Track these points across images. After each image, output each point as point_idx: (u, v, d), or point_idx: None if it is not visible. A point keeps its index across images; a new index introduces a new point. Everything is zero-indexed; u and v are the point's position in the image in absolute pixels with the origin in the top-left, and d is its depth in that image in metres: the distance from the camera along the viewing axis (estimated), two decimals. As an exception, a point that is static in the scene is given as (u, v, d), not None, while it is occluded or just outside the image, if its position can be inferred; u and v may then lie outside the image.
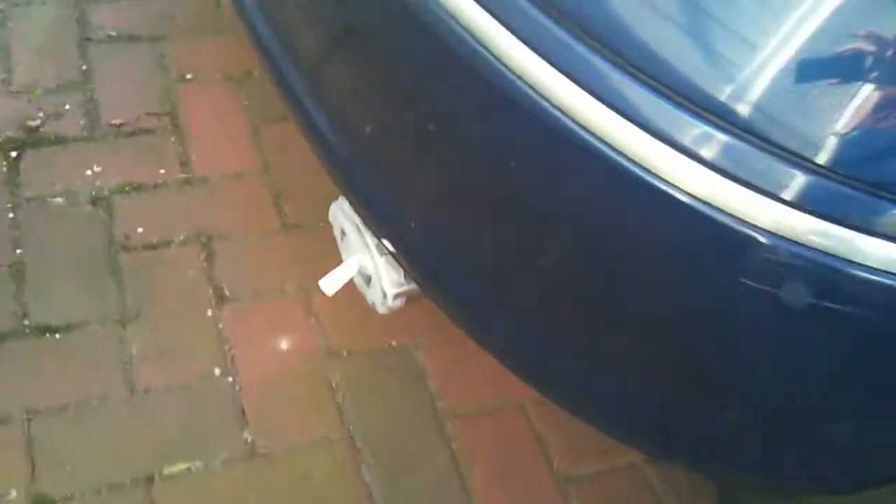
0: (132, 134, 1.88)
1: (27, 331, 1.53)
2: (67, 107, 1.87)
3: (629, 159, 0.82)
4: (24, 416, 1.43)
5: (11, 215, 1.67)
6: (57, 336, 1.54)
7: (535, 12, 0.86)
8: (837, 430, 0.97)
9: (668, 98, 0.81)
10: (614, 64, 0.82)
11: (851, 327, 0.86)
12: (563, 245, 0.97)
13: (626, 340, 1.01)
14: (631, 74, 0.82)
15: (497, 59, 0.88)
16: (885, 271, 0.80)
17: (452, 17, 0.91)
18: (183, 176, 1.83)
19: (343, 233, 1.40)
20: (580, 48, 0.83)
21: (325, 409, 1.55)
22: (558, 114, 0.85)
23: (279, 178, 1.86)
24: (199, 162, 1.86)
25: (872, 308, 0.84)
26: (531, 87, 0.86)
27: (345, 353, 1.63)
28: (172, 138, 1.89)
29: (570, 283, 1.00)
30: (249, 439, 1.48)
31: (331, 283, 1.38)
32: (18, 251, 1.63)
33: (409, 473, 1.51)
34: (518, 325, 1.12)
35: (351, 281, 1.40)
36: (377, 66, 1.13)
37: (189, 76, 2.01)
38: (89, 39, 2.01)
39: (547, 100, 0.85)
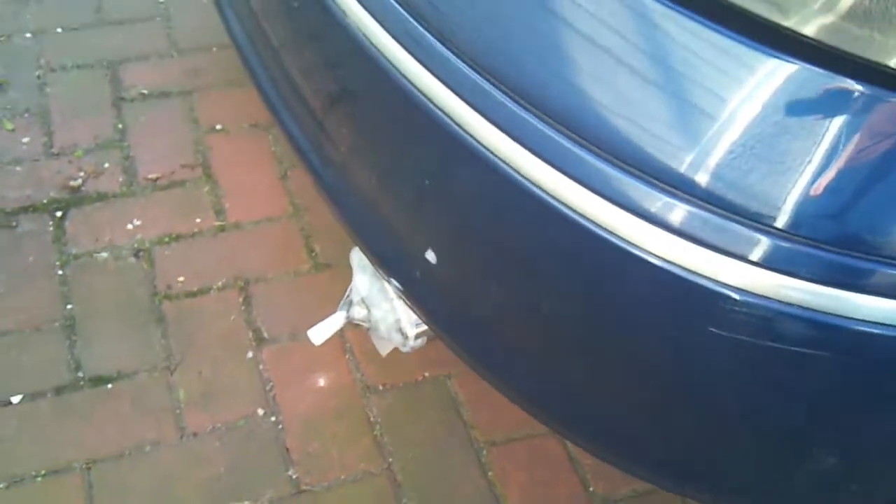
0: (168, 186, 1.97)
1: (82, 383, 1.62)
2: (106, 165, 1.97)
3: (606, 230, 0.90)
4: (84, 465, 1.52)
5: (60, 272, 1.77)
6: (109, 386, 1.63)
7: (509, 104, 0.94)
8: (818, 463, 1.04)
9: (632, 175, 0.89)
10: (589, 151, 0.90)
11: (809, 367, 0.93)
12: (554, 296, 1.04)
13: (634, 386, 1.08)
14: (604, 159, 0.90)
15: (479, 142, 0.96)
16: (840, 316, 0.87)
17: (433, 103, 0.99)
18: (218, 223, 1.91)
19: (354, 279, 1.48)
20: (559, 138, 0.91)
21: (365, 443, 1.62)
22: (542, 193, 0.93)
23: (308, 221, 1.95)
24: (233, 209, 1.95)
25: (825, 348, 0.90)
26: (509, 165, 0.94)
27: (380, 388, 1.70)
28: (206, 188, 1.98)
29: (564, 330, 1.07)
30: (294, 476, 1.56)
31: (319, 333, 1.46)
32: (69, 306, 1.72)
33: (448, 501, 1.57)
34: (525, 370, 1.19)
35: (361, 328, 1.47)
36: (375, 128, 1.21)
37: (218, 127, 2.10)
38: (122, 99, 2.11)
39: (533, 183, 0.93)
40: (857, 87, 0.83)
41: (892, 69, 0.82)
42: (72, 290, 1.75)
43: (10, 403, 1.57)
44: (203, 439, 1.58)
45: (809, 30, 0.84)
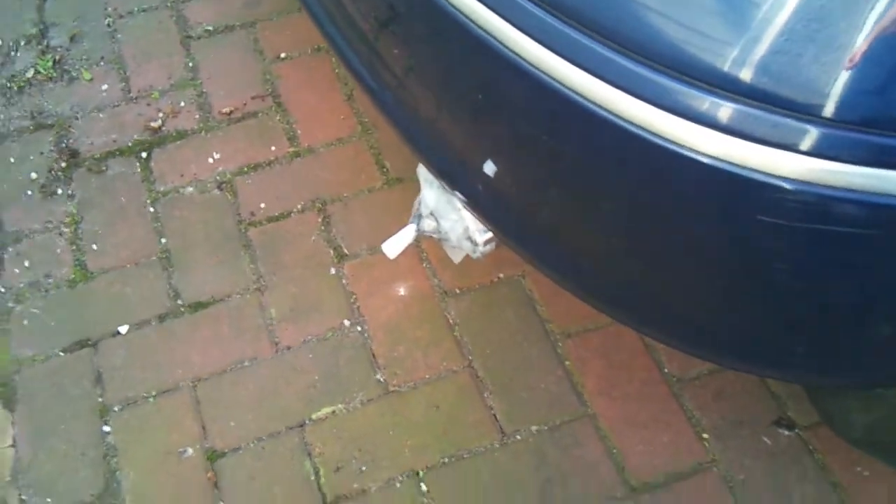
0: (242, 119, 2.06)
1: (182, 309, 1.75)
2: (182, 104, 2.07)
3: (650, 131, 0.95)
4: (191, 384, 1.66)
5: (151, 209, 1.89)
6: (207, 310, 1.75)
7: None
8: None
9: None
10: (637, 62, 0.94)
11: (859, 244, 0.96)
12: (611, 201, 1.09)
13: (695, 278, 1.13)
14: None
15: (525, 60, 1.01)
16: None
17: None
18: (292, 149, 2.00)
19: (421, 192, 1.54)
20: (604, 51, 0.95)
21: (446, 343, 1.72)
22: (593, 106, 0.99)
23: (377, 138, 2.01)
24: (304, 134, 2.03)
25: (873, 226, 0.94)
26: (556, 80, 1.00)
27: (457, 291, 1.79)
28: (277, 116, 2.06)
29: (623, 232, 1.13)
30: (382, 379, 1.67)
31: (392, 247, 1.54)
32: (163, 240, 1.85)
33: (528, 392, 1.67)
34: (588, 271, 1.25)
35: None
36: (425, 49, 1.25)
37: (283, 55, 2.17)
38: (189, 37, 2.19)
39: (583, 96, 0.99)
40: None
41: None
42: (164, 224, 1.87)
43: (119, 333, 1.71)
44: (296, 352, 1.70)
45: None
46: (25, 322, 1.71)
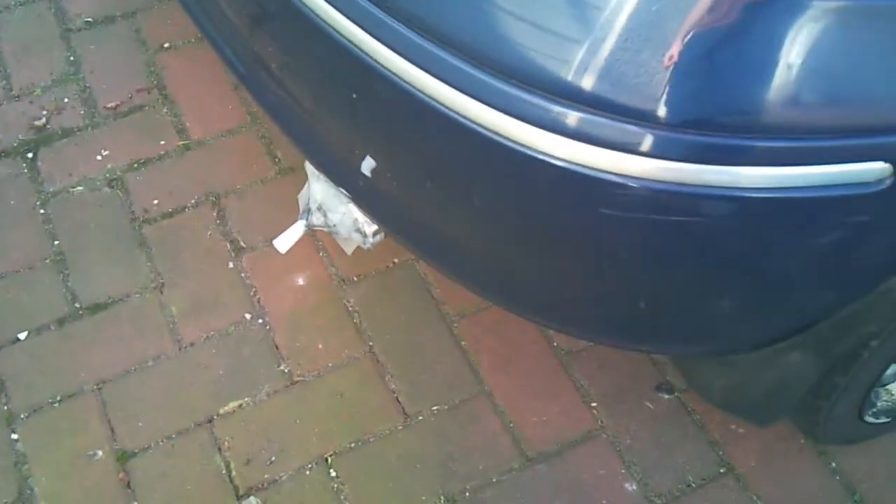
0: (129, 113, 2.04)
1: (80, 312, 1.75)
2: (66, 99, 2.04)
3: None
4: (96, 386, 1.66)
5: (42, 211, 1.86)
6: (106, 311, 1.75)
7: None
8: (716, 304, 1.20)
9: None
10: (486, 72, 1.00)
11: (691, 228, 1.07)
12: (474, 197, 1.17)
13: (549, 262, 1.21)
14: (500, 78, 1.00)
15: (395, 75, 1.06)
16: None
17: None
18: (182, 143, 2.00)
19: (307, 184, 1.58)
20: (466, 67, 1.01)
21: (347, 331, 1.76)
22: (456, 116, 1.05)
23: (266, 128, 2.02)
24: (194, 127, 2.03)
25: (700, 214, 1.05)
26: (423, 92, 1.06)
27: (354, 279, 1.83)
28: (164, 109, 2.05)
29: (490, 226, 1.22)
30: (286, 370, 1.71)
31: (283, 242, 1.58)
32: (56, 242, 1.83)
33: (428, 373, 1.73)
34: (460, 260, 1.32)
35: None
36: (294, 49, 1.30)
37: (166, 45, 2.15)
38: (70, 30, 2.15)
39: (446, 106, 1.05)
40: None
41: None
42: (56, 226, 1.85)
43: (18, 340, 1.70)
44: (200, 348, 1.72)
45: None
46: (-81, 334, 1.68)
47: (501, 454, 1.64)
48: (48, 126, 1.97)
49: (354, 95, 1.21)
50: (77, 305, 1.74)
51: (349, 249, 1.69)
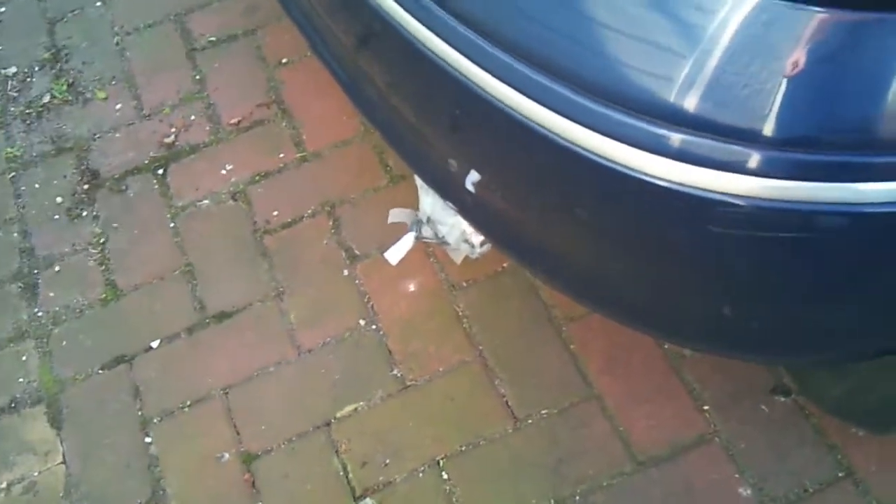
0: (250, 127, 2.07)
1: (207, 320, 1.80)
2: (193, 117, 2.09)
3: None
4: (221, 391, 1.71)
5: (172, 224, 1.93)
6: (231, 319, 1.79)
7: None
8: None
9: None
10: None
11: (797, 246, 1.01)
12: (585, 217, 1.14)
13: (661, 276, 1.17)
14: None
15: (498, 101, 1.03)
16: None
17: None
18: (299, 155, 2.02)
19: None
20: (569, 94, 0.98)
21: (457, 336, 1.75)
22: (565, 142, 1.02)
23: (379, 138, 2.00)
24: (310, 139, 2.04)
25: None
26: (529, 119, 1.03)
27: (464, 284, 1.82)
28: (283, 123, 2.07)
29: (598, 243, 1.17)
30: (399, 375, 1.71)
31: (394, 254, 1.58)
32: (185, 254, 1.88)
33: (537, 377, 1.70)
34: (570, 275, 1.29)
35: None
36: (400, 68, 1.29)
37: (285, 60, 2.18)
38: (195, 49, 2.20)
39: (555, 133, 1.03)
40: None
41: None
42: (184, 239, 1.91)
43: (151, 348, 1.76)
44: (317, 353, 1.74)
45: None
46: (64, 343, 1.77)
47: (612, 458, 1.61)
48: (176, 143, 2.03)
49: (458, 113, 1.19)
50: (204, 314, 1.79)
51: (458, 259, 1.68)
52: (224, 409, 1.69)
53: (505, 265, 1.84)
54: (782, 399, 1.67)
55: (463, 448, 1.62)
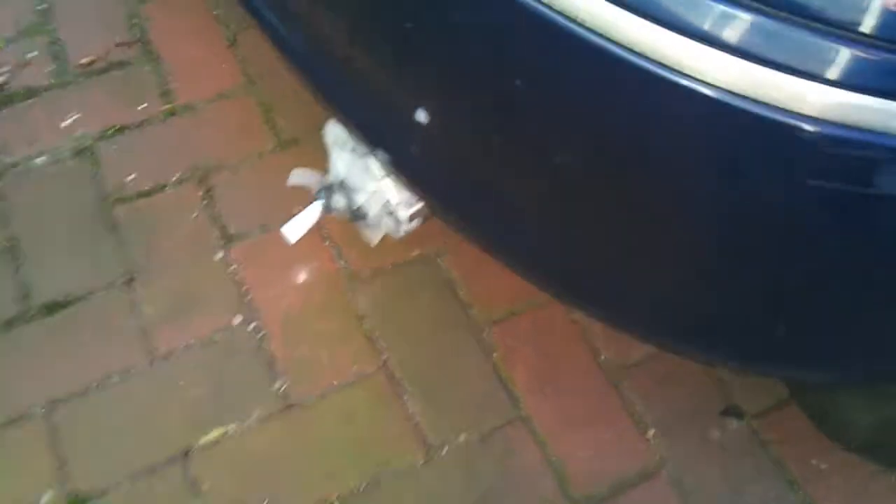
0: (105, 70, 1.70)
1: (32, 312, 1.41)
2: (34, 53, 1.70)
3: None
4: (44, 408, 1.32)
5: (-5, 186, 1.50)
6: (65, 311, 1.41)
7: None
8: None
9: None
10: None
11: None
12: (572, 143, 0.83)
13: (658, 242, 0.87)
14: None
15: None
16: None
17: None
18: (166, 107, 1.66)
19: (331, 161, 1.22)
20: None
21: (356, 339, 1.43)
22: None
23: (266, 91, 1.68)
24: (181, 88, 1.69)
25: None
26: None
27: (366, 274, 1.48)
28: (147, 67, 1.72)
29: (585, 184, 0.87)
30: (282, 389, 1.37)
31: (294, 230, 1.24)
32: (10, 225, 1.49)
33: (453, 392, 1.40)
34: (539, 235, 0.98)
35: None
36: None
37: (152, -7, 1.78)
38: (39, -27, 1.77)
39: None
40: None
41: None
42: (11, 205, 1.51)
43: (-47, 346, 1.35)
44: (176, 360, 1.38)
45: None
46: None
47: (543, 497, 1.33)
48: (9, 85, 1.65)
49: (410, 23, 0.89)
50: (29, 303, 1.41)
51: (375, 239, 1.33)
52: (48, 431, 1.29)
53: (415, 253, 1.50)
54: (735, 423, 1.44)
55: (362, 486, 1.30)
